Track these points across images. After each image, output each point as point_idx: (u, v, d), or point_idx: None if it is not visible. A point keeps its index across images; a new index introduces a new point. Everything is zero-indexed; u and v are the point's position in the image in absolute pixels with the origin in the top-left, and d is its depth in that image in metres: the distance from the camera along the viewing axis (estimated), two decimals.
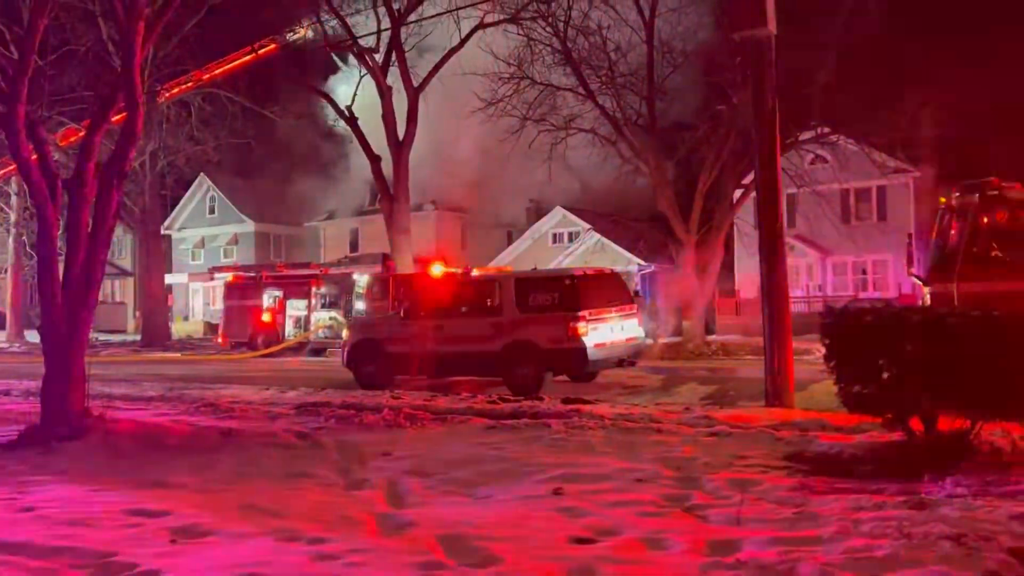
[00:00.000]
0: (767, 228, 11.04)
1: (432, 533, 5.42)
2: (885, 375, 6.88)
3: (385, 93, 26.28)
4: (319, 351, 25.47)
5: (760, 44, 11.03)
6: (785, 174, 19.98)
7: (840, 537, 4.96)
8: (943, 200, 11.73)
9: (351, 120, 27.08)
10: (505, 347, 14.20)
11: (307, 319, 26.33)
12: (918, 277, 12.22)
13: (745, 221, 25.69)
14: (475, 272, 16.18)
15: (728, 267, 32.86)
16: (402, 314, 15.98)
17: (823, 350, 7.40)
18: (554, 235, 41.56)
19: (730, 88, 21.97)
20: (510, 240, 43.91)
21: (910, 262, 13.45)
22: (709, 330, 27.20)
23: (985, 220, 10.96)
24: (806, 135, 23.64)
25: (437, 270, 21.14)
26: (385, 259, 26.98)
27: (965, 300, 10.32)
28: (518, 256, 39.89)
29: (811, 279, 35.62)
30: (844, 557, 4.62)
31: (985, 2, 26.86)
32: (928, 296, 11.36)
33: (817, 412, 9.66)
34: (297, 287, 26.75)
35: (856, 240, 33.00)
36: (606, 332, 14.36)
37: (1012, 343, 6.37)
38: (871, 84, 21.28)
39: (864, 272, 35.40)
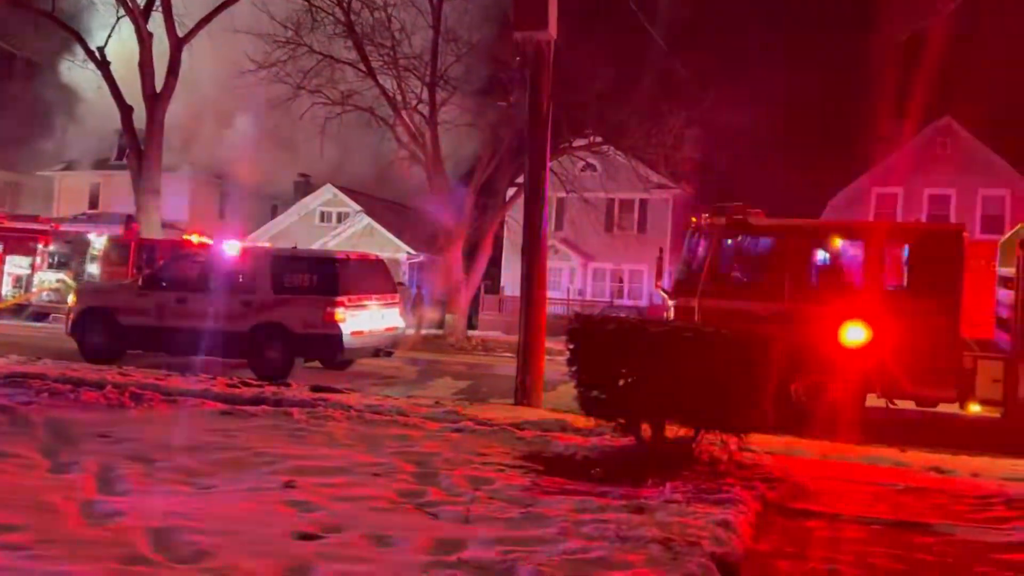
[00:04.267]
0: (531, 228, 11.25)
1: (142, 524, 5.03)
2: (621, 383, 7.16)
3: (145, 40, 24.29)
4: (41, 316, 23.12)
5: (539, 47, 11.18)
6: (556, 178, 20.72)
7: (560, 538, 5.08)
8: (694, 220, 12.38)
9: (102, 64, 24.81)
10: (254, 328, 13.54)
11: (29, 279, 23.80)
12: (665, 291, 12.86)
13: (515, 220, 26.12)
14: (228, 245, 15.19)
15: (496, 264, 33.61)
16: (141, 283, 14.87)
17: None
18: (322, 213, 40.53)
19: (510, 86, 22.34)
20: (275, 214, 42.30)
21: (659, 275, 14.15)
22: (472, 325, 27.61)
23: (728, 242, 11.76)
24: (579, 142, 24.59)
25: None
26: (128, 221, 24.85)
27: (705, 316, 11.02)
28: (281, 232, 38.41)
29: (572, 282, 37.17)
30: (560, 558, 4.72)
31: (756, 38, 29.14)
32: (672, 310, 12.02)
33: (561, 413, 9.95)
34: (20, 242, 23.95)
35: (617, 249, 34.87)
36: (365, 320, 14.07)
37: (731, 360, 6.81)
38: (643, 101, 22.39)
39: (621, 280, 37.46)
